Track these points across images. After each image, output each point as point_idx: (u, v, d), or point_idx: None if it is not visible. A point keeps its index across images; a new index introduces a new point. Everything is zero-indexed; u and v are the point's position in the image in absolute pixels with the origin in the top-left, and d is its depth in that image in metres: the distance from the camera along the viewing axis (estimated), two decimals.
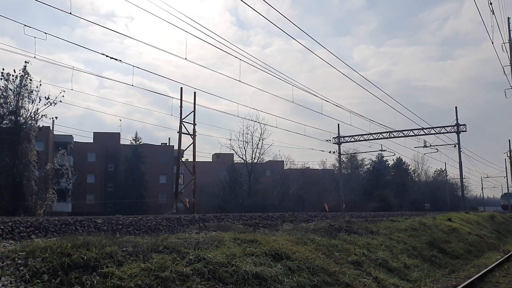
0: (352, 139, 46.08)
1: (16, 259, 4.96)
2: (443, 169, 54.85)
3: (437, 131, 41.35)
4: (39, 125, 29.37)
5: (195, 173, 29.22)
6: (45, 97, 28.61)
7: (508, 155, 65.83)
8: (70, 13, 14.83)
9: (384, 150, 46.29)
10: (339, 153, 49.56)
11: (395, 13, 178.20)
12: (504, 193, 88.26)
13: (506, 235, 30.16)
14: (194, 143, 29.55)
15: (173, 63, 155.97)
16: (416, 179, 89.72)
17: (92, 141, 64.09)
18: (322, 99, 29.86)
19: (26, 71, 28.31)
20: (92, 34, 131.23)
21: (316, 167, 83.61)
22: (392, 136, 43.18)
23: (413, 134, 42.08)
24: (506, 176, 78.41)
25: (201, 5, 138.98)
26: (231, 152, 58.81)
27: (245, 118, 63.99)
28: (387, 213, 25.21)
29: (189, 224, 10.50)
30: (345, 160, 73.42)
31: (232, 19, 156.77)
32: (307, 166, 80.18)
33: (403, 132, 42.64)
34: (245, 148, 56.27)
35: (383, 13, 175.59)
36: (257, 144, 56.02)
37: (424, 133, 41.64)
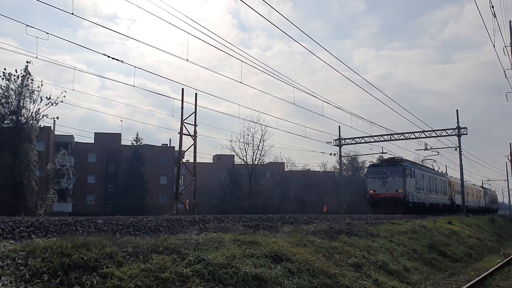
0: (353, 141, 46.02)
1: (16, 258, 4.96)
2: (444, 172, 54.71)
3: (438, 134, 41.32)
4: (40, 125, 29.39)
5: (196, 174, 29.20)
6: (47, 97, 28.65)
7: (509, 158, 65.66)
8: (72, 13, 14.82)
9: (385, 153, 46.03)
10: (340, 155, 49.49)
11: (395, 16, 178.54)
12: (373, 165, 35.61)
13: (507, 239, 30.16)
14: (195, 144, 29.54)
15: (174, 65, 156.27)
16: None
17: (93, 142, 64.15)
18: (323, 101, 29.75)
19: (28, 71, 28.34)
20: (94, 35, 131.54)
21: (317, 169, 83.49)
22: (393, 138, 43.14)
23: (414, 136, 42.04)
24: (507, 179, 78.02)
25: (202, 7, 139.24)
26: (232, 154, 58.82)
27: (246, 120, 63.87)
28: (388, 215, 25.15)
29: (189, 225, 10.49)
30: (345, 162, 73.30)
31: (233, 21, 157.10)
32: (308, 168, 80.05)
33: (404, 134, 42.60)
34: (246, 149, 56.22)
35: (383, 16, 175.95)
36: (258, 146, 55.96)
37: (425, 136, 41.59)
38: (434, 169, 41.06)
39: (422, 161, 43.57)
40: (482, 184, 79.54)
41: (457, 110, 41.21)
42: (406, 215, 26.38)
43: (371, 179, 31.92)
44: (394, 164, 31.14)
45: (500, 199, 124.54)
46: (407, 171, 30.58)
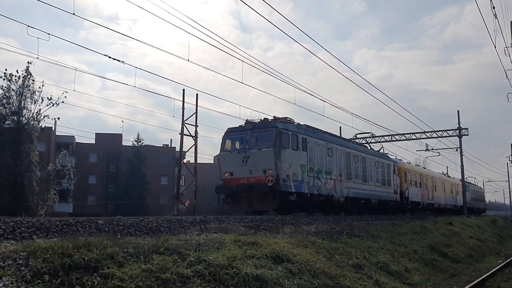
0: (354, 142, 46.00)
1: (17, 259, 4.96)
2: (445, 173, 54.18)
3: (439, 135, 41.30)
4: (41, 126, 29.46)
5: (197, 175, 29.22)
6: (48, 98, 28.72)
7: (510, 159, 65.57)
8: (74, 13, 14.86)
9: (386, 153, 46.15)
10: None
11: (396, 17, 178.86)
12: (231, 129, 18.57)
13: (508, 239, 30.13)
14: (196, 144, 29.55)
15: (175, 65, 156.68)
16: None
17: (94, 142, 64.24)
18: (324, 101, 29.57)
19: (29, 72, 28.42)
20: (95, 36, 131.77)
21: None
22: (394, 139, 43.11)
23: (415, 137, 42.02)
24: (508, 180, 78.09)
25: (203, 8, 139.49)
26: None
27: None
28: (388, 216, 25.08)
29: (190, 226, 10.49)
30: None
31: (234, 22, 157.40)
32: None
33: (405, 135, 42.57)
34: None
35: (384, 17, 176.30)
36: None
37: (426, 136, 41.58)
38: (365, 146, 28.23)
39: (355, 135, 31.67)
40: (483, 184, 78.77)
41: (458, 111, 41.17)
42: (283, 216, 15.62)
43: (227, 153, 18.02)
44: (262, 126, 17.54)
45: (501, 200, 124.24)
46: (285, 138, 17.00)
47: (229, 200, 18.00)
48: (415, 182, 32.30)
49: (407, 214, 30.20)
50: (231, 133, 18.40)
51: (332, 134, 22.53)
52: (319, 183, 18.93)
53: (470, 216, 38.11)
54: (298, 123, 19.11)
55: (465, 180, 51.88)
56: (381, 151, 30.80)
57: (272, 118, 18.63)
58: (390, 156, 31.12)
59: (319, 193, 18.89)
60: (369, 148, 28.49)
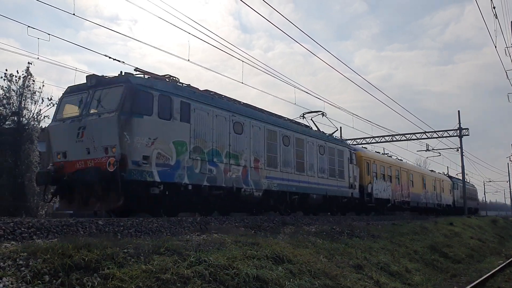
0: (354, 142, 45.99)
1: (17, 259, 4.97)
2: (445, 173, 53.75)
3: (439, 135, 41.33)
4: (41, 126, 29.45)
5: None
6: (48, 98, 28.71)
7: (511, 159, 65.60)
8: (74, 14, 14.84)
9: (386, 154, 46.22)
10: None
11: (396, 18, 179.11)
12: (70, 88, 12.20)
13: (508, 240, 30.11)
14: None
15: (176, 66, 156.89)
16: None
17: None
18: (324, 101, 29.37)
19: (29, 72, 28.34)
20: (96, 36, 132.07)
21: None
22: (395, 139, 43.14)
23: (416, 137, 42.06)
24: (509, 180, 78.13)
25: (204, 8, 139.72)
26: None
27: None
28: (389, 216, 25.07)
29: (191, 227, 10.49)
30: None
31: (235, 23, 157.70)
32: None
33: (406, 135, 42.60)
34: None
35: (385, 18, 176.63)
36: None
37: (426, 136, 41.63)
38: (306, 125, 20.51)
39: (303, 114, 22.41)
40: (484, 184, 78.71)
41: (458, 111, 41.16)
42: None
43: (57, 123, 12.11)
44: (109, 82, 11.60)
45: (501, 200, 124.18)
46: (143, 99, 11.27)
47: (62, 195, 12.17)
48: (383, 175, 26.45)
49: (373, 214, 24.84)
50: (70, 94, 12.33)
51: (247, 104, 16.25)
52: (213, 170, 13.27)
53: (471, 216, 38.08)
54: (188, 85, 13.55)
55: (455, 176, 49.20)
56: (384, 151, 27.45)
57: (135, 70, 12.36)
58: (393, 152, 29.14)
59: (213, 185, 13.20)
60: (314, 128, 21.41)
